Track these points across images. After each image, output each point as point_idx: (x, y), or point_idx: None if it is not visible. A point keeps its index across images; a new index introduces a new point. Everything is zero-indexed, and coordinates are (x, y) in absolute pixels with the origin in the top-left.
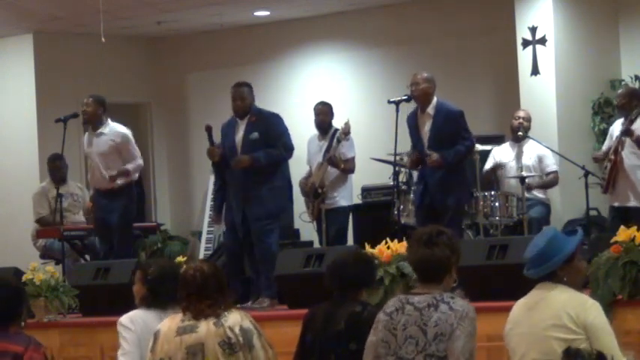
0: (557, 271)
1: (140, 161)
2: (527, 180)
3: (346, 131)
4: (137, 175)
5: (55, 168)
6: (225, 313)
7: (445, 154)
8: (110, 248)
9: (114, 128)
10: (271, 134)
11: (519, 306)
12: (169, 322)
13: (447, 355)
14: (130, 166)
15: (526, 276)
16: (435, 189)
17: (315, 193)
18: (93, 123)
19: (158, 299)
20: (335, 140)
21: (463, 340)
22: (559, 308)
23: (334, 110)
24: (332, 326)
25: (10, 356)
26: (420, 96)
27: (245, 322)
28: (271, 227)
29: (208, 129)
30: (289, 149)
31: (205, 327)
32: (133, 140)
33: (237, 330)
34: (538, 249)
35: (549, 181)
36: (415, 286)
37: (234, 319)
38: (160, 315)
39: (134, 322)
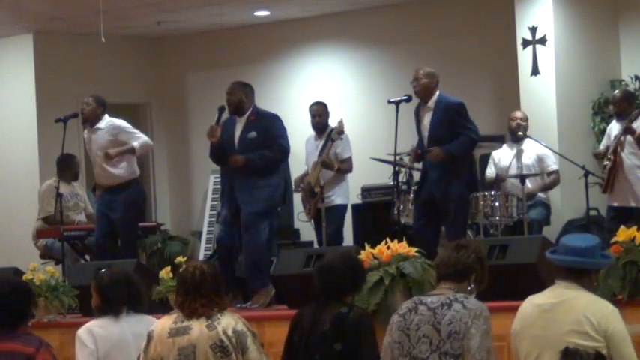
0: (592, 274)
1: (146, 138)
2: (528, 186)
3: (340, 130)
4: (135, 166)
5: (67, 166)
6: (219, 315)
7: (447, 147)
8: (113, 246)
9: (110, 122)
10: (269, 135)
11: (533, 305)
12: (163, 322)
13: (463, 353)
14: (135, 144)
15: (551, 260)
16: (436, 183)
17: (311, 192)
18: (91, 121)
19: (110, 305)
20: (329, 140)
21: (479, 338)
22: (579, 313)
23: (334, 110)
24: (318, 326)
25: (22, 357)
26: (421, 91)
27: (238, 325)
28: (261, 219)
29: (221, 109)
30: (284, 152)
31: (198, 329)
32: (130, 126)
33: (230, 332)
34: (588, 243)
35: (551, 183)
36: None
37: (227, 321)
38: (114, 320)
39: (93, 334)
